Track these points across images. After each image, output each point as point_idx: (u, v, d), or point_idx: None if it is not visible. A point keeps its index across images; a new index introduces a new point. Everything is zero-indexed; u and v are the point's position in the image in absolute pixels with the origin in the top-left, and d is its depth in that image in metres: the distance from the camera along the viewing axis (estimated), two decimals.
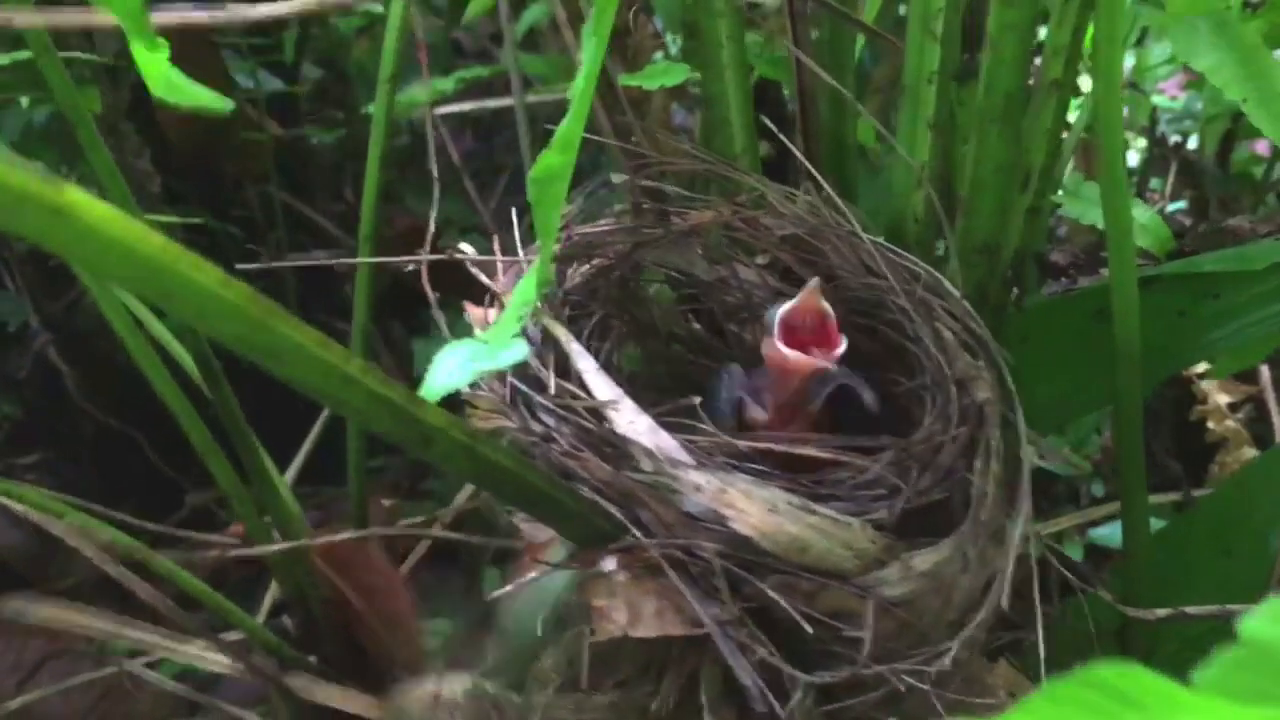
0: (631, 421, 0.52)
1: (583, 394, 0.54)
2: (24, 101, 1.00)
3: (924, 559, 0.52)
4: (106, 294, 0.80)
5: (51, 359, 1.10)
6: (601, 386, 0.54)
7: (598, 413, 0.53)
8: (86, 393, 1.12)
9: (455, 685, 0.66)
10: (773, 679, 0.49)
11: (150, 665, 0.91)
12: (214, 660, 0.89)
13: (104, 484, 1.15)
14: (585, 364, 0.55)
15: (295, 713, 0.89)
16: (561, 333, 0.57)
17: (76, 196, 0.28)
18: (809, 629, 0.48)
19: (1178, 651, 0.81)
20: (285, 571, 0.92)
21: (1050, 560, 0.65)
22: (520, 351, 0.51)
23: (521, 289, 0.56)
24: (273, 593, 1.07)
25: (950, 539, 0.53)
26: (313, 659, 0.93)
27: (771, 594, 0.49)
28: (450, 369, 0.55)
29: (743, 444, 0.57)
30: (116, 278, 0.30)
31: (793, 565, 0.50)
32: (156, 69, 0.40)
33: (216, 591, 0.88)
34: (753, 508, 0.50)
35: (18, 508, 0.79)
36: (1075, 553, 1.09)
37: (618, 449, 0.52)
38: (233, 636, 0.94)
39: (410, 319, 1.30)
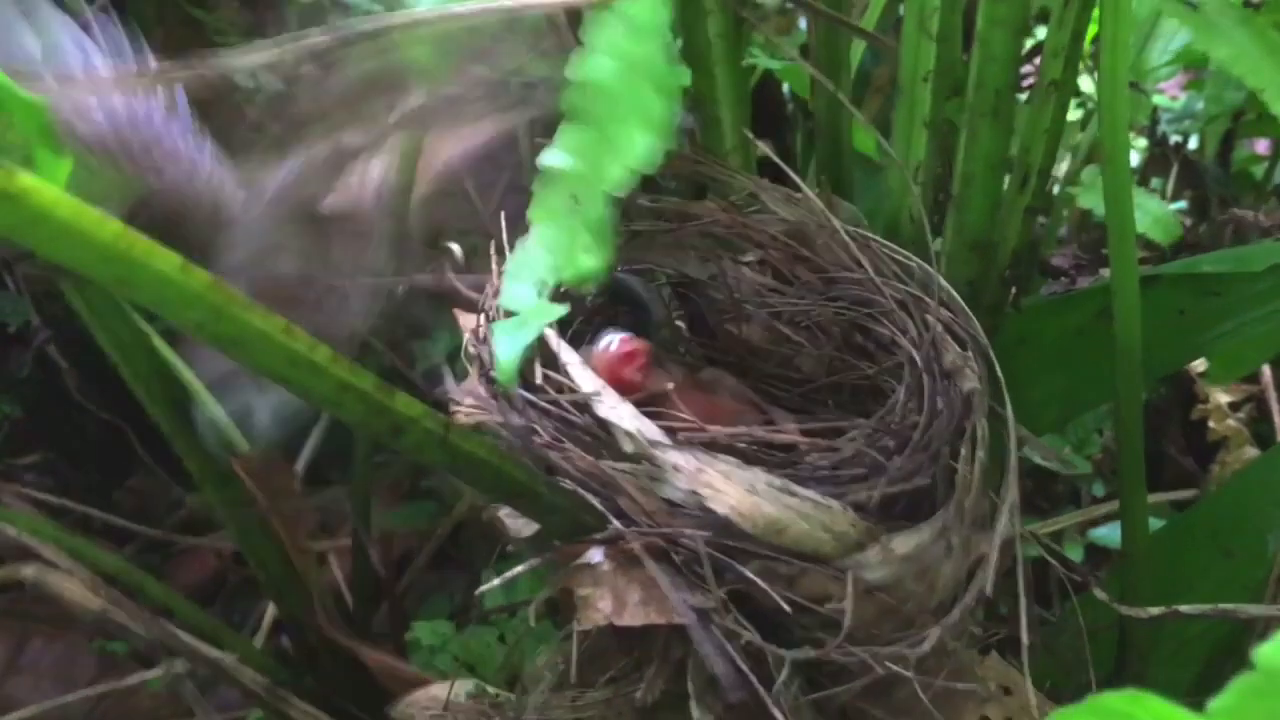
0: (613, 408, 0.52)
1: (565, 385, 0.54)
2: None
3: (904, 542, 0.52)
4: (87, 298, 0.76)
5: (52, 358, 1.10)
6: (584, 378, 0.54)
7: (580, 405, 0.54)
8: (87, 392, 1.12)
9: (459, 689, 0.66)
10: (756, 665, 0.48)
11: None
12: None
13: (104, 484, 1.15)
14: (568, 356, 0.55)
15: None
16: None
17: (28, 181, 0.28)
18: (788, 609, 0.47)
19: (1177, 651, 0.81)
20: (278, 591, 0.90)
21: (1049, 559, 0.65)
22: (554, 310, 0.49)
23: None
24: (272, 612, 1.06)
25: (930, 522, 0.53)
26: (309, 680, 0.92)
27: (751, 577, 0.48)
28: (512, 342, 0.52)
29: (721, 431, 0.57)
30: (71, 263, 0.30)
31: (771, 548, 0.50)
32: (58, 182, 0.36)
33: (214, 597, 0.87)
34: (731, 488, 0.50)
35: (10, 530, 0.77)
36: (1075, 553, 1.08)
37: (599, 437, 0.52)
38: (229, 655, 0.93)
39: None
